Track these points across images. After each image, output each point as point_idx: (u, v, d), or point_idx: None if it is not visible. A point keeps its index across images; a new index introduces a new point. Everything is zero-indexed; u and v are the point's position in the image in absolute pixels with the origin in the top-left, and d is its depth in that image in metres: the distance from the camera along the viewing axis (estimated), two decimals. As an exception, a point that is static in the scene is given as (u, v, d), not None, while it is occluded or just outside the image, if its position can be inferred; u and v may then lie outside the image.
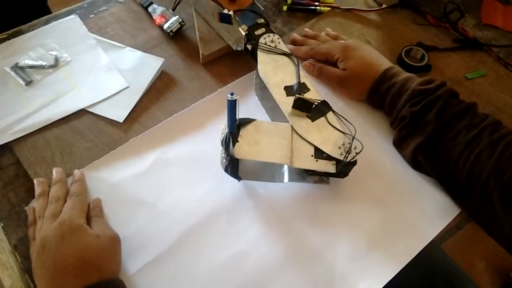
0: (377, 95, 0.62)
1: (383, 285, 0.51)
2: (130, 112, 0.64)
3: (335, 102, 0.66)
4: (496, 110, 0.68)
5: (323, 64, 0.68)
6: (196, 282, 0.50)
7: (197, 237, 0.53)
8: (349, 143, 0.53)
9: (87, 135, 0.61)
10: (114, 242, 0.49)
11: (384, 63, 0.63)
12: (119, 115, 0.63)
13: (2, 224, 0.53)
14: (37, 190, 0.54)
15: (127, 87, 0.66)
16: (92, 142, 0.61)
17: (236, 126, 0.52)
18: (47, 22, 0.74)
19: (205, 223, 0.54)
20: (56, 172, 0.55)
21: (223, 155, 0.55)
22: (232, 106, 0.47)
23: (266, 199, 0.57)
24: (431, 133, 0.55)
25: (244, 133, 0.53)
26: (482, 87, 0.72)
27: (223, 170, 0.54)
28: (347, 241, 0.54)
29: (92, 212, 0.53)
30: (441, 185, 0.58)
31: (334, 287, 0.51)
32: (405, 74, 0.61)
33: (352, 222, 0.56)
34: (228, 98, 0.46)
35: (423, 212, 0.57)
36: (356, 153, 0.52)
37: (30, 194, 0.55)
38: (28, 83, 0.65)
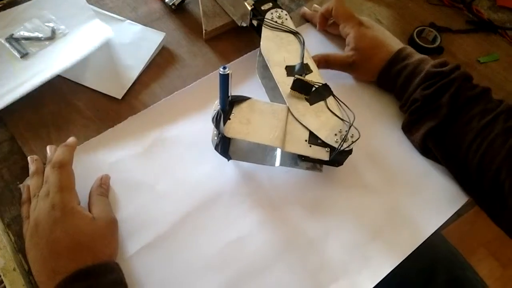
0: (388, 77, 0.60)
1: (386, 274, 0.50)
2: (128, 89, 0.61)
3: (342, 83, 0.64)
4: (509, 96, 0.66)
5: (327, 54, 0.63)
6: (194, 266, 0.49)
7: (196, 220, 0.52)
8: (346, 131, 0.51)
9: (84, 111, 0.59)
10: (110, 225, 0.48)
11: (396, 44, 0.61)
12: (117, 91, 0.61)
13: (-5, 202, 0.52)
14: (31, 168, 0.52)
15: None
16: (89, 119, 0.58)
17: (228, 103, 0.50)
18: (43, -8, 0.71)
19: (204, 206, 0.53)
20: (50, 150, 0.53)
21: (214, 132, 0.53)
22: (224, 81, 0.45)
23: (268, 184, 0.55)
24: (444, 117, 0.53)
25: (238, 111, 0.51)
26: (495, 71, 0.69)
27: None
28: (350, 229, 0.53)
29: (98, 189, 0.51)
30: (451, 172, 0.56)
31: (335, 275, 0.50)
32: (418, 56, 0.59)
33: (355, 209, 0.54)
34: (220, 72, 0.43)
35: (429, 200, 0.56)
36: (352, 141, 0.50)
37: (24, 171, 0.53)
38: (24, 55, 0.62)
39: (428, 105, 0.55)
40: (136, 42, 0.66)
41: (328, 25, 0.69)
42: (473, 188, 0.54)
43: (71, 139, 0.52)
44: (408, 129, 0.59)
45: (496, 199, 0.51)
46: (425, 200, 0.56)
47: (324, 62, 0.63)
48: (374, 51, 0.60)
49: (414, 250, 0.52)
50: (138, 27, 0.67)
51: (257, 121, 0.50)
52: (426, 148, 0.57)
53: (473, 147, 0.52)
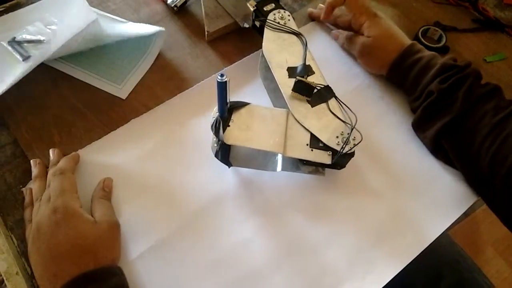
0: (400, 69, 0.59)
1: (391, 278, 0.49)
2: (131, 91, 0.61)
3: (345, 85, 0.63)
4: (517, 95, 0.65)
5: (351, 33, 0.65)
6: (197, 270, 0.49)
7: (198, 223, 0.52)
8: (348, 133, 0.50)
9: (87, 115, 0.59)
10: (112, 229, 0.47)
11: (406, 40, 0.61)
12: (122, 91, 0.61)
13: (-2, 206, 0.52)
14: (34, 171, 0.52)
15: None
16: (92, 122, 0.58)
17: (227, 110, 0.49)
18: (46, -5, 0.71)
19: (207, 210, 0.52)
20: (53, 153, 0.53)
21: (214, 139, 0.52)
22: (222, 88, 0.44)
23: (270, 188, 0.54)
24: (457, 112, 0.53)
25: (237, 117, 0.50)
26: (502, 70, 0.68)
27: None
28: (354, 232, 0.52)
29: (100, 192, 0.51)
30: (461, 170, 0.56)
31: (339, 279, 0.49)
32: (429, 52, 0.59)
33: (359, 213, 0.54)
34: (218, 80, 0.43)
35: (434, 203, 0.55)
36: (354, 144, 0.49)
37: (27, 175, 0.53)
38: (26, 58, 0.62)
39: (444, 99, 0.54)
40: (136, 38, 0.65)
41: (337, 18, 0.68)
42: (484, 186, 0.54)
43: (74, 153, 0.54)
44: (419, 125, 0.58)
45: (507, 199, 0.50)
46: (430, 203, 0.55)
47: (343, 38, 0.66)
48: (388, 40, 0.61)
49: (420, 253, 0.51)
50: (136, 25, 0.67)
51: (257, 127, 0.50)
52: (438, 146, 0.56)
53: (486, 144, 0.51)
